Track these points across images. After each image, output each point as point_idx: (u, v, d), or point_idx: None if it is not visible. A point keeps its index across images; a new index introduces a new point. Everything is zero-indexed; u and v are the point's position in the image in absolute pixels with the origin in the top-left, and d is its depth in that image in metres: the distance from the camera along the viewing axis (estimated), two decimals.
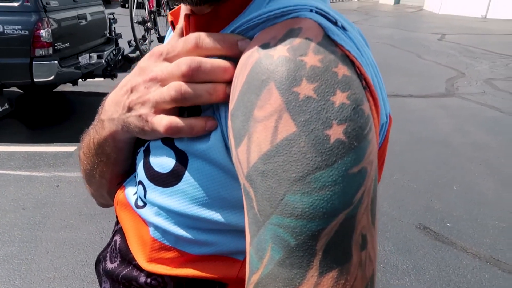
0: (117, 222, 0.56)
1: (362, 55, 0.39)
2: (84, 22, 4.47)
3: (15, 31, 3.70)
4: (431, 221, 2.74)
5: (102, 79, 4.98)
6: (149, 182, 0.46)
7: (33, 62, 3.77)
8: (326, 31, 0.37)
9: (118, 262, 0.52)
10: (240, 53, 0.39)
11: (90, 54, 4.60)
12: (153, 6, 5.39)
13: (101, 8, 5.04)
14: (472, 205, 2.94)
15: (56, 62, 3.87)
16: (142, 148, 0.50)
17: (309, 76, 0.33)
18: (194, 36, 0.42)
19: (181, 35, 0.48)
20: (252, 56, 0.36)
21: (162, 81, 0.42)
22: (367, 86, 0.37)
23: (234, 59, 0.40)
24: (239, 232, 0.41)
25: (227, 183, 0.41)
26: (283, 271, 0.31)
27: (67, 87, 5.40)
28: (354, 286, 0.31)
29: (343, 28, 0.39)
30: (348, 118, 0.32)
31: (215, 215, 0.42)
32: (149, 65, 0.45)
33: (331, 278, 0.31)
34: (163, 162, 0.44)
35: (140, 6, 5.12)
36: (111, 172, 0.56)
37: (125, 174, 0.56)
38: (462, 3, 17.46)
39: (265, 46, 0.36)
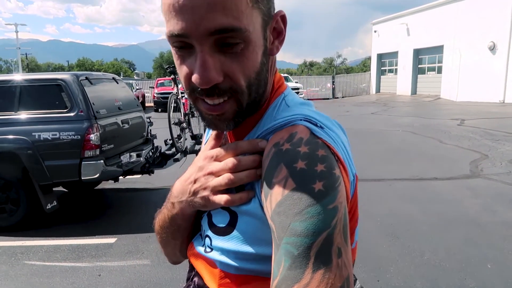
0: (191, 269, 0.82)
1: (335, 141, 0.64)
2: (126, 126, 5.04)
3: (69, 136, 4.23)
4: None
5: (139, 176, 5.40)
6: (212, 234, 0.71)
7: (83, 163, 4.23)
8: (312, 131, 0.62)
9: None
10: (261, 149, 0.65)
11: (131, 154, 5.07)
12: (187, 109, 6.07)
13: (141, 113, 5.68)
14: (511, 284, 2.88)
15: (101, 161, 4.32)
16: (205, 214, 0.74)
17: (302, 157, 0.57)
18: (232, 144, 0.68)
19: (217, 136, 0.74)
20: (271, 150, 0.61)
21: (216, 174, 0.67)
22: (338, 159, 0.61)
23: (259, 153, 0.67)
24: (270, 259, 0.61)
25: (262, 227, 0.63)
26: (291, 273, 0.50)
27: (108, 184, 5.84)
28: (335, 281, 0.50)
29: (321, 127, 0.64)
30: (325, 178, 0.55)
31: (259, 249, 0.64)
32: (205, 164, 0.70)
33: (320, 274, 0.50)
34: (221, 220, 0.69)
35: (176, 109, 5.78)
36: (182, 236, 0.81)
37: (190, 236, 0.83)
38: (479, 90, 18.01)
39: (277, 144, 0.61)
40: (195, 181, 0.70)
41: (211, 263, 0.71)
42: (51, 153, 4.23)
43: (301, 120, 0.64)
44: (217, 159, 0.69)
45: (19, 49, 36.07)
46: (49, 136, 4.22)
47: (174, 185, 0.78)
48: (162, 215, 0.81)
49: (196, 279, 0.79)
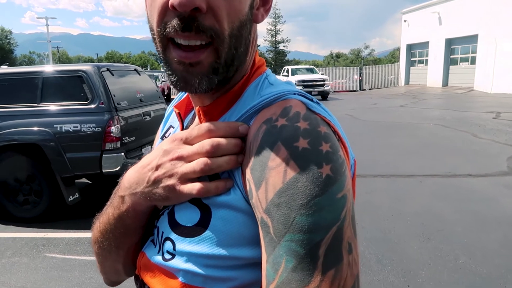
0: (141, 286, 0.64)
1: (333, 118, 0.56)
2: (148, 118, 4.98)
3: (90, 128, 4.20)
4: None
5: None
6: (177, 236, 0.56)
7: (103, 155, 4.19)
8: (308, 105, 0.53)
9: None
10: (241, 134, 0.54)
11: (152, 146, 5.01)
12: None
13: (164, 105, 5.61)
14: None
15: (122, 154, 4.27)
16: (167, 211, 0.60)
17: (303, 134, 0.48)
18: (206, 125, 0.56)
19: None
20: (261, 128, 0.51)
21: (187, 158, 0.55)
22: (339, 139, 0.53)
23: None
24: (256, 264, 0.51)
25: (246, 222, 0.52)
26: (296, 275, 0.43)
27: None
28: (346, 281, 0.44)
29: (317, 103, 0.56)
30: (332, 160, 0.47)
31: (238, 252, 0.52)
32: (172, 148, 0.57)
33: (331, 275, 0.43)
34: (189, 218, 0.56)
35: None
36: (130, 241, 0.66)
37: (139, 245, 0.66)
38: None
39: (269, 120, 0.51)
40: (157, 167, 0.56)
41: (170, 274, 0.56)
42: (72, 145, 4.21)
43: (294, 94, 0.56)
44: (188, 141, 0.57)
45: (50, 42, 37.04)
46: (70, 128, 4.20)
47: (125, 174, 0.63)
48: (104, 217, 0.66)
49: None
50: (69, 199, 4.29)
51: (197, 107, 0.62)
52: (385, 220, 3.91)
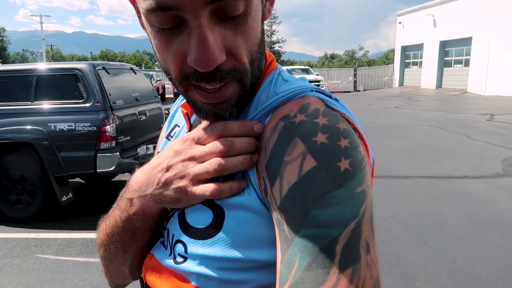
0: None
1: (352, 116, 0.53)
2: (143, 117, 4.92)
3: (84, 127, 4.14)
4: None
5: None
6: (188, 238, 0.53)
7: (98, 155, 4.13)
8: (327, 102, 0.51)
9: None
10: (256, 133, 0.52)
11: (148, 146, 4.96)
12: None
13: (159, 105, 5.56)
14: None
15: (117, 153, 4.21)
16: (177, 212, 0.57)
17: (322, 130, 0.46)
18: (219, 124, 0.54)
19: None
20: (279, 124, 0.49)
21: (200, 159, 0.53)
22: (359, 136, 0.51)
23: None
24: (270, 266, 0.49)
25: (260, 224, 0.50)
26: (310, 274, 0.40)
27: (125, 176, 5.75)
28: (365, 283, 0.40)
29: (336, 100, 0.54)
30: (351, 155, 0.45)
31: (252, 254, 0.50)
32: (184, 148, 0.54)
33: (348, 274, 0.40)
34: (201, 219, 0.53)
35: None
36: (138, 245, 0.63)
37: (147, 247, 0.63)
38: (508, 83, 17.30)
39: (286, 117, 0.49)
40: (168, 169, 0.54)
41: (182, 278, 0.54)
42: (66, 144, 4.14)
43: (311, 91, 0.54)
44: (200, 141, 0.54)
45: (44, 40, 36.71)
46: (64, 127, 4.14)
47: (133, 176, 0.60)
48: (111, 219, 0.63)
49: None
50: (63, 199, 4.22)
51: None
52: (382, 222, 3.90)
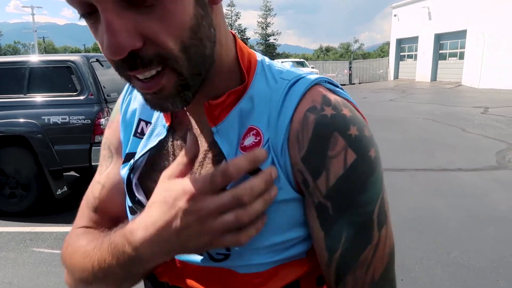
0: None
1: (351, 99, 0.59)
2: None
3: (79, 120, 4.10)
4: None
5: None
6: None
7: (93, 148, 4.09)
8: (336, 92, 0.57)
9: None
10: (262, 161, 0.52)
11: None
12: None
13: None
14: None
15: None
16: None
17: (352, 122, 0.53)
18: (227, 167, 0.50)
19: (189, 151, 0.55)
20: (309, 117, 0.53)
21: (217, 213, 0.50)
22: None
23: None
24: (304, 240, 0.57)
25: (297, 207, 0.55)
26: (358, 239, 0.52)
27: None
28: (391, 235, 0.56)
29: (341, 88, 0.59)
30: (374, 143, 0.55)
31: (293, 234, 0.56)
32: (194, 204, 0.50)
33: (384, 230, 0.54)
34: None
35: None
36: (140, 279, 0.62)
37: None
38: (503, 77, 17.35)
39: (313, 109, 0.53)
40: (182, 229, 0.50)
41: (227, 272, 0.56)
42: (60, 137, 4.11)
43: (324, 81, 0.58)
44: (209, 191, 0.50)
45: (36, 32, 36.24)
46: (58, 120, 4.10)
47: (136, 236, 0.52)
48: (100, 262, 0.56)
49: None
50: (58, 193, 4.20)
51: (204, 103, 0.57)
52: None
